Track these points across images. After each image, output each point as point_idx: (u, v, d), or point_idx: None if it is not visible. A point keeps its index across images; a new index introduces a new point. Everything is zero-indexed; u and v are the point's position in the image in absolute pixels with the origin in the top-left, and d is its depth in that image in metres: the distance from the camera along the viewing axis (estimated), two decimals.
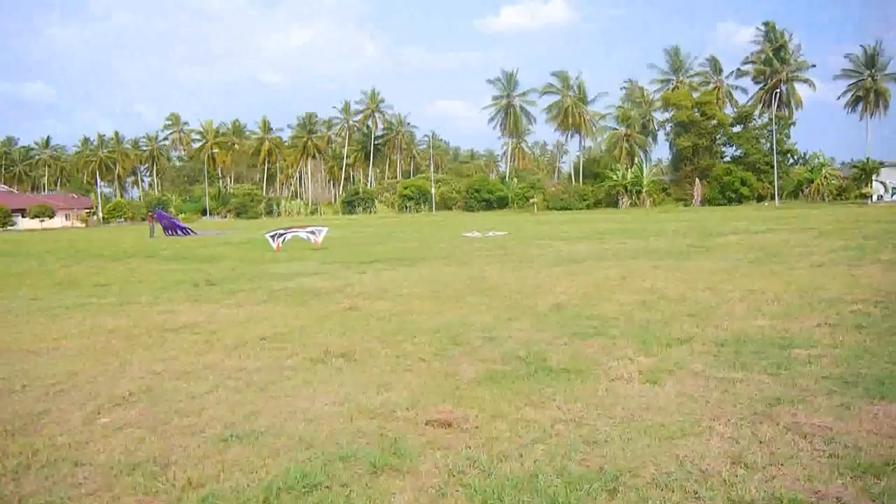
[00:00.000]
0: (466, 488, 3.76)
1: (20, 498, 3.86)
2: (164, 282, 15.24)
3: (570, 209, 73.01)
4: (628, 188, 74.75)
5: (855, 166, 67.37)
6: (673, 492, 3.62)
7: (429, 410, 5.10)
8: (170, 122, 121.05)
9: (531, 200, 75.78)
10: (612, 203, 75.08)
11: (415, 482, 3.87)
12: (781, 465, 3.91)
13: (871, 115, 78.90)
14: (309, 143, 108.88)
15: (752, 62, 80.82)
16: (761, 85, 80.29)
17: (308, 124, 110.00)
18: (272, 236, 24.32)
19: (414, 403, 5.30)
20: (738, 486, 3.64)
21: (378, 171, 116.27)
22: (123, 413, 5.32)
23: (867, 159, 66.00)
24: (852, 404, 4.87)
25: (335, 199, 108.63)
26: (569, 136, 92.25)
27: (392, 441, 4.49)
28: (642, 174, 75.53)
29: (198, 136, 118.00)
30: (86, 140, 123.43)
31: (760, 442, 4.26)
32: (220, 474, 4.06)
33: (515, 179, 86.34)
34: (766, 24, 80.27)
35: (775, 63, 77.81)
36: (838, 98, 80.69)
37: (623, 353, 6.63)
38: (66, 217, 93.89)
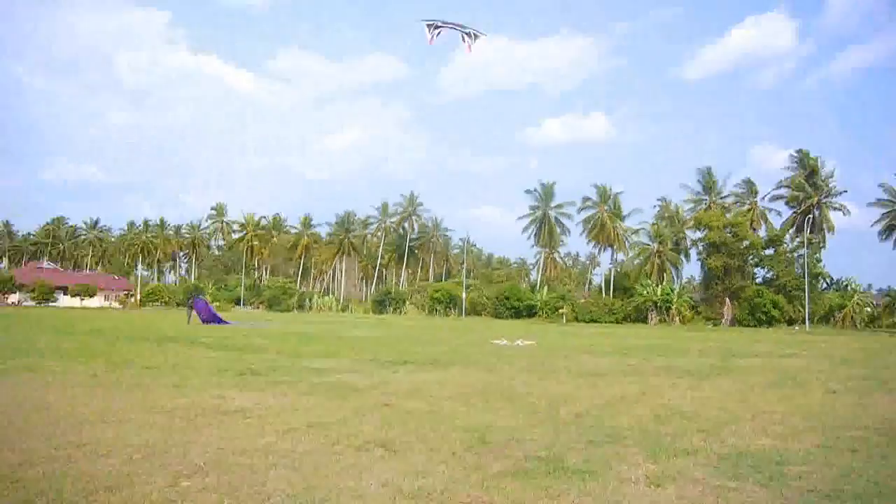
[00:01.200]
0: None
1: None
2: (210, 368, 16.26)
3: (598, 322, 73.42)
4: (658, 304, 75.09)
5: (888, 294, 67.26)
6: None
7: (460, 496, 5.95)
8: (214, 213, 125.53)
9: (560, 311, 76.39)
10: (641, 318, 75.31)
11: None
12: None
13: None
14: (345, 241, 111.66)
15: (786, 186, 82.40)
16: (794, 209, 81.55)
17: (346, 223, 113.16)
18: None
19: (447, 489, 6.15)
20: None
21: (410, 272, 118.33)
22: (200, 479, 6.25)
23: None
24: None
25: (366, 297, 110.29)
26: (601, 249, 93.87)
27: None
28: (672, 291, 76.02)
29: (238, 227, 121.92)
30: (131, 224, 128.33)
31: None
32: None
33: (545, 289, 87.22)
34: (799, 150, 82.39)
35: (807, 188, 79.23)
36: (871, 225, 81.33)
37: (633, 459, 7.42)
38: (105, 297, 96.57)
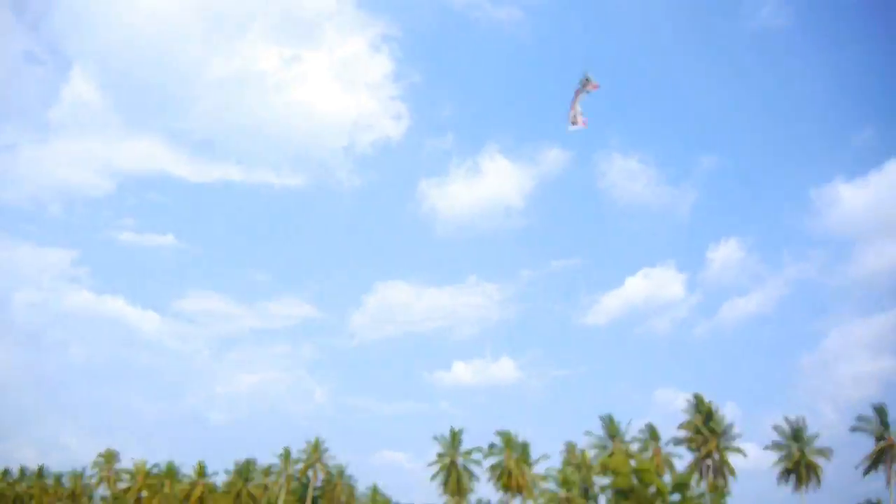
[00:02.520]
0: None
1: None
2: None
3: None
4: None
5: None
6: None
7: None
8: (102, 459, 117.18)
9: None
10: None
11: None
12: None
13: (806, 486, 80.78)
14: (244, 491, 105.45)
15: (685, 429, 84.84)
16: (695, 453, 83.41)
17: (245, 471, 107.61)
18: None
19: None
20: None
21: None
22: None
23: None
24: None
25: None
26: (510, 496, 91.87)
27: None
28: None
29: (127, 476, 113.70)
30: (5, 471, 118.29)
31: None
32: None
33: None
34: (694, 395, 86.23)
35: (705, 432, 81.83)
36: (769, 468, 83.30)
37: None
38: None
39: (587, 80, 30.23)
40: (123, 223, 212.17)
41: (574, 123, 28.48)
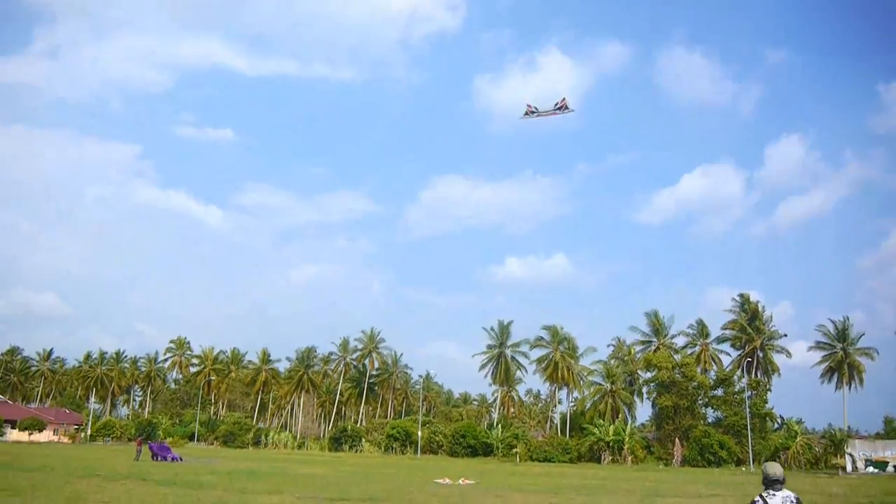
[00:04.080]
0: None
1: None
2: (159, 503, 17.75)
3: (552, 461, 73.97)
4: (610, 444, 76.20)
5: (824, 436, 69.63)
6: None
7: None
8: (174, 346, 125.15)
9: (514, 450, 77.03)
10: (595, 458, 76.11)
11: None
12: None
13: (849, 386, 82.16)
14: (305, 377, 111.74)
15: (731, 329, 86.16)
16: (739, 351, 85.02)
17: (305, 359, 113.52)
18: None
19: None
20: None
21: (370, 408, 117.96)
22: None
23: (835, 431, 68.52)
24: None
25: (324, 433, 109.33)
26: (556, 388, 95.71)
27: None
28: (624, 431, 77.38)
29: (196, 361, 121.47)
30: (87, 356, 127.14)
31: None
32: None
33: (500, 428, 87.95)
34: (741, 294, 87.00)
35: (749, 331, 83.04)
36: (811, 368, 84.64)
37: None
38: (55, 432, 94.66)
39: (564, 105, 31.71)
40: (182, 118, 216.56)
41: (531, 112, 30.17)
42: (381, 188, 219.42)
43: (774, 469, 8.04)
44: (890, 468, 60.13)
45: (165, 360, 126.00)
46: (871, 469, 60.83)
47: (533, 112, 30.23)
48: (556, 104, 31.86)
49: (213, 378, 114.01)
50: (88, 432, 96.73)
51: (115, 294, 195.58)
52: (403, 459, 70.75)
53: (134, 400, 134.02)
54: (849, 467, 62.67)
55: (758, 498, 7.98)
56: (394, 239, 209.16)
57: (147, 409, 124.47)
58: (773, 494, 7.87)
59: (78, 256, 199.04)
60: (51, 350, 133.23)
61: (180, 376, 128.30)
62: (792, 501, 7.82)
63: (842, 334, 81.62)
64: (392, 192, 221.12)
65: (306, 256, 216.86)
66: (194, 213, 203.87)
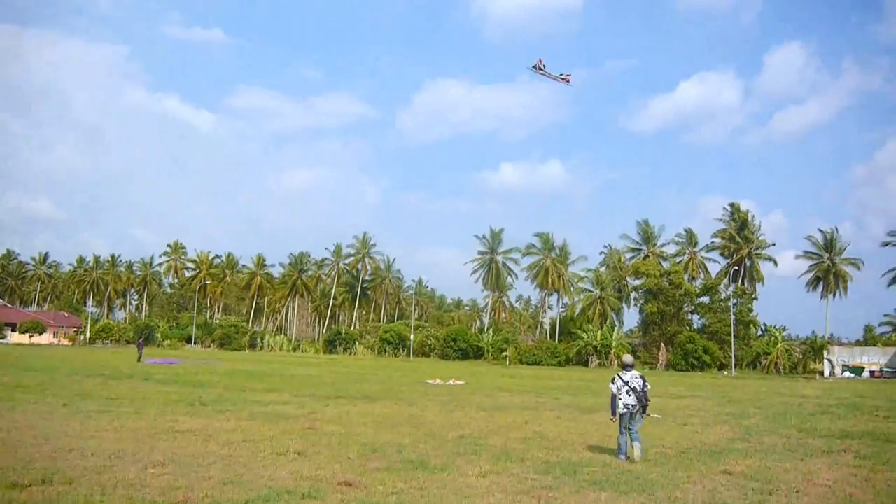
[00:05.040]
0: None
1: (116, 496, 7.42)
2: (163, 400, 18.70)
3: (541, 364, 76.37)
4: (598, 349, 78.46)
5: (804, 343, 71.85)
6: None
7: (340, 478, 8.72)
8: (169, 250, 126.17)
9: (504, 354, 79.32)
10: (583, 362, 78.48)
11: None
12: None
13: (833, 295, 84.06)
14: (299, 281, 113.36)
15: (720, 238, 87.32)
16: (728, 260, 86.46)
17: (299, 263, 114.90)
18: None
19: (335, 475, 8.92)
20: None
21: (364, 312, 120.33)
22: (160, 469, 8.95)
23: (815, 337, 70.72)
24: (589, 496, 8.52)
25: (318, 337, 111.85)
26: (547, 294, 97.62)
27: (316, 489, 8.11)
28: (612, 336, 79.54)
29: (192, 265, 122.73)
30: (81, 260, 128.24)
31: (526, 492, 7.88)
32: (223, 495, 7.65)
33: (491, 332, 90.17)
34: (731, 203, 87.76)
35: (738, 240, 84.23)
36: (799, 277, 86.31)
37: (479, 464, 10.28)
38: (55, 334, 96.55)
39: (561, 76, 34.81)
40: (170, 17, 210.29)
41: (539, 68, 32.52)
42: (375, 91, 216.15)
43: (626, 358, 12.47)
44: (866, 373, 62.35)
45: (161, 264, 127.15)
46: (847, 374, 63.10)
47: (541, 70, 32.86)
48: (561, 74, 35.80)
49: (208, 282, 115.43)
50: (87, 335, 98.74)
51: (108, 199, 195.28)
52: (396, 362, 72.83)
53: (130, 304, 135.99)
54: (826, 372, 64.88)
55: (615, 376, 12.05)
56: (388, 144, 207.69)
57: (144, 313, 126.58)
58: (626, 373, 11.87)
59: (70, 161, 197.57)
60: (46, 254, 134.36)
61: (176, 281, 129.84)
62: (638, 378, 11.74)
63: (829, 244, 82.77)
64: (386, 96, 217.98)
65: (300, 161, 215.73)
66: (186, 117, 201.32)
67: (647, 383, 11.85)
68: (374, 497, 7.86)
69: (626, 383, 11.60)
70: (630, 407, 11.43)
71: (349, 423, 14.92)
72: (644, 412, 11.66)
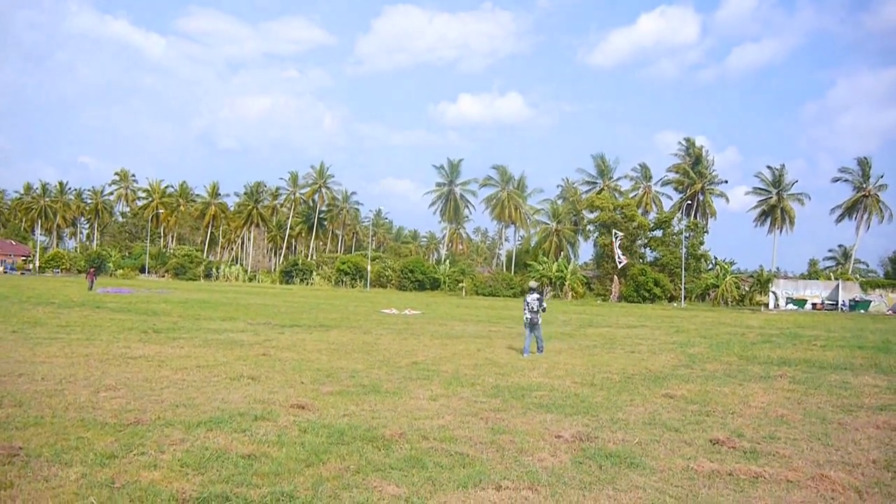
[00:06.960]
0: (302, 431, 7.48)
1: (67, 417, 7.45)
2: (117, 327, 18.59)
3: (496, 295, 77.48)
4: (552, 280, 79.75)
5: (752, 276, 74.02)
6: (389, 428, 7.43)
7: (294, 401, 8.87)
8: (118, 178, 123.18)
9: (460, 285, 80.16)
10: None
11: (274, 426, 7.60)
12: (468, 415, 7.77)
13: (780, 230, 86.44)
14: (254, 211, 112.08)
15: (674, 172, 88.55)
16: (682, 194, 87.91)
17: (255, 193, 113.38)
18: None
19: (288, 399, 9.06)
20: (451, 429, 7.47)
21: (321, 243, 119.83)
22: (113, 392, 8.97)
23: (762, 270, 72.88)
24: (535, 417, 8.82)
25: (275, 267, 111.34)
26: (504, 227, 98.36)
27: (269, 411, 8.24)
28: (566, 268, 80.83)
29: (144, 194, 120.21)
30: (28, 187, 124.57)
31: (475, 414, 8.13)
32: (176, 417, 7.73)
33: (448, 264, 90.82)
34: (686, 139, 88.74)
35: (692, 175, 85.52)
36: (747, 212, 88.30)
37: (430, 388, 10.52)
38: (2, 263, 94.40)
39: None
40: None
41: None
42: (333, 16, 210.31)
43: (531, 283, 17.85)
44: (808, 305, 64.63)
45: (111, 193, 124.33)
46: (790, 306, 65.34)
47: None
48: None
49: (161, 211, 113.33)
50: (37, 264, 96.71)
51: (53, 125, 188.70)
52: (353, 292, 73.13)
53: (81, 233, 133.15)
54: (771, 304, 67.08)
55: (524, 298, 16.85)
56: (346, 71, 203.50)
57: (95, 242, 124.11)
58: (529, 296, 16.62)
59: (10, 85, 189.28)
60: None
61: (128, 209, 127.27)
62: (537, 298, 16.57)
63: (777, 180, 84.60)
64: (344, 21, 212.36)
65: (255, 88, 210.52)
66: (135, 40, 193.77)
67: (543, 302, 16.73)
68: (326, 419, 8.02)
69: (528, 304, 16.43)
70: (529, 318, 16.28)
71: (303, 350, 15.06)
72: (539, 319, 16.39)
